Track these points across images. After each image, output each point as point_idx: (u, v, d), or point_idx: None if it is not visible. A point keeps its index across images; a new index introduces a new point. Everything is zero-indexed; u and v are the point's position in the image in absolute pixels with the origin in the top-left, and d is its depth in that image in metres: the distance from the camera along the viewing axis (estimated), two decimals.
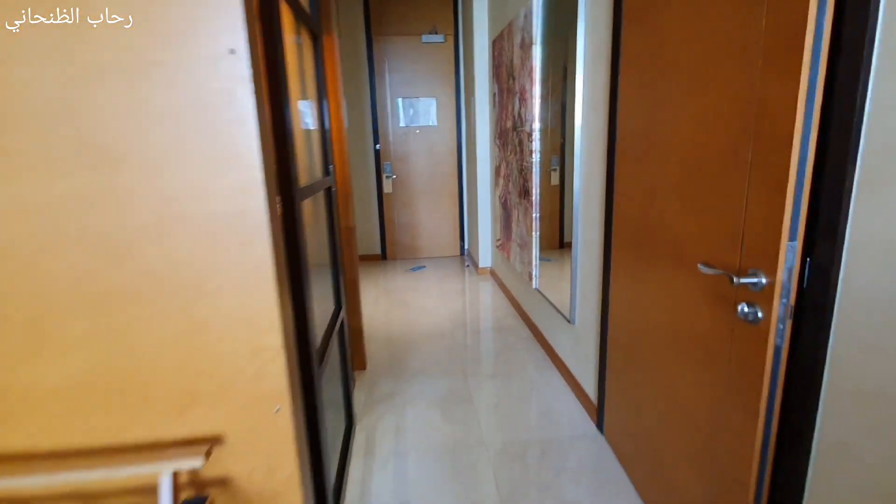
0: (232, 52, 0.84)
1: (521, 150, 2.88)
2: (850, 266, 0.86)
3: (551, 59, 2.38)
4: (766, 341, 0.98)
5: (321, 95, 1.87)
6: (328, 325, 1.67)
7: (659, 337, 1.43)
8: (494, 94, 3.62)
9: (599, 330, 1.92)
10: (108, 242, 0.88)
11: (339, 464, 1.72)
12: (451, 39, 4.55)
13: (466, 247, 4.96)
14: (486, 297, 3.74)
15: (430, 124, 4.69)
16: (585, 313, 2.10)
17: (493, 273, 4.21)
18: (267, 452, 1.02)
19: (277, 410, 1.00)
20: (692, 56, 1.19)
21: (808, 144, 0.88)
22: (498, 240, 3.81)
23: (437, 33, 4.50)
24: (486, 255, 4.29)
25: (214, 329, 0.94)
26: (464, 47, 4.41)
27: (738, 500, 1.10)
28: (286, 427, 1.02)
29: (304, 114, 1.53)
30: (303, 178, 1.39)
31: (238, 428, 1.00)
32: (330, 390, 1.69)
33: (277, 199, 1.05)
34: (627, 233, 1.63)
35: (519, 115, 2.90)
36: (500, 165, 3.56)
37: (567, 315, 2.27)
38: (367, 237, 4.89)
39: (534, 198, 2.67)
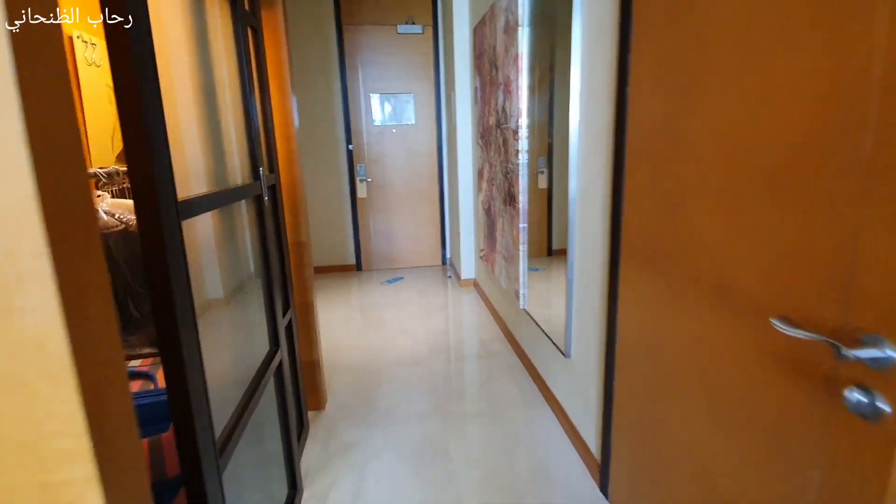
0: None
1: (506, 149, 2.50)
2: None
3: (540, 42, 2.01)
4: (892, 450, 0.61)
5: (262, 88, 1.57)
6: (253, 378, 1.27)
7: (689, 396, 1.06)
8: (476, 89, 3.25)
9: (604, 371, 1.54)
10: None
11: None
12: (429, 30, 4.16)
13: (448, 256, 4.57)
14: (470, 314, 3.35)
15: (408, 122, 4.29)
16: (584, 347, 1.73)
17: (476, 285, 3.82)
18: None
19: None
20: (747, 6, 0.82)
21: None
22: (481, 250, 3.43)
23: (414, 23, 4.11)
24: (469, 265, 3.90)
25: None
26: (444, 39, 4.02)
27: None
28: None
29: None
30: (198, 186, 1.00)
31: None
32: (260, 458, 1.29)
33: (108, 219, 0.65)
34: (641, 252, 1.26)
35: (503, 109, 2.52)
36: (482, 168, 3.18)
37: (561, 347, 1.89)
38: (339, 247, 4.46)
39: (521, 205, 2.29)
